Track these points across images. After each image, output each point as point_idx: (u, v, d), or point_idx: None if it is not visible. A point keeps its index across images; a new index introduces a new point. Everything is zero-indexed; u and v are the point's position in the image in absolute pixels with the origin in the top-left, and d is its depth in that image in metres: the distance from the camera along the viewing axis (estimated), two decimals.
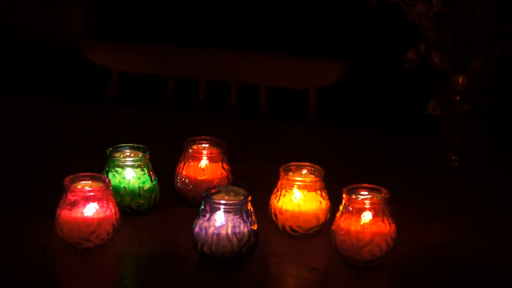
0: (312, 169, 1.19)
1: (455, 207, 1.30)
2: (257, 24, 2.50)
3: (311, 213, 1.15)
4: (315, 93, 1.86)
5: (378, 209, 1.07)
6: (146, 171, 1.22)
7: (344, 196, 1.09)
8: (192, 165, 1.25)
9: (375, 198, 1.09)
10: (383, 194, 1.09)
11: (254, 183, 1.30)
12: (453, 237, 1.19)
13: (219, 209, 1.06)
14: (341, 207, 1.09)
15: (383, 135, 1.66)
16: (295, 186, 1.16)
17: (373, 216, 1.07)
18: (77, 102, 1.89)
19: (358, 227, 1.07)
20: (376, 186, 1.10)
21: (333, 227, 1.10)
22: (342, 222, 1.08)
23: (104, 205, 1.10)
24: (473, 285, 1.08)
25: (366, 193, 1.10)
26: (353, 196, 1.09)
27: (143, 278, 1.07)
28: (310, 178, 1.17)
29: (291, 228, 1.16)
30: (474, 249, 1.16)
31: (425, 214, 1.26)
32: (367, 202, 1.08)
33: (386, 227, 1.07)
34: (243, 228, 1.07)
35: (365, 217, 1.07)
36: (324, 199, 1.17)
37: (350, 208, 1.08)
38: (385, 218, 1.07)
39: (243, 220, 1.07)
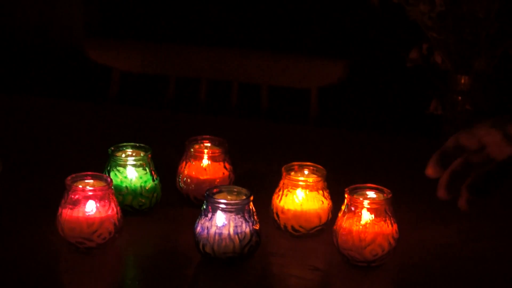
0: (314, 168, 1.19)
1: (457, 207, 1.30)
2: (258, 23, 2.50)
3: (313, 213, 1.15)
4: (317, 92, 1.86)
5: (380, 209, 1.07)
6: (148, 170, 1.22)
7: (346, 196, 1.09)
8: (194, 165, 1.25)
9: (377, 198, 1.09)
10: (385, 194, 1.09)
11: (256, 182, 1.30)
12: (455, 237, 1.19)
13: (221, 208, 1.06)
14: (343, 207, 1.09)
15: (385, 134, 1.66)
16: (297, 185, 1.16)
17: (375, 216, 1.07)
18: (78, 101, 1.89)
19: (360, 227, 1.07)
20: (378, 186, 1.10)
21: (334, 227, 1.10)
22: (344, 222, 1.08)
23: (106, 204, 1.10)
24: (474, 285, 1.08)
25: (368, 193, 1.10)
26: (355, 196, 1.09)
27: (144, 277, 1.07)
28: (312, 178, 1.16)
29: (293, 227, 1.16)
30: (475, 249, 1.16)
31: (427, 214, 1.26)
32: (369, 202, 1.08)
33: (388, 227, 1.07)
34: (245, 228, 1.07)
35: (367, 217, 1.07)
36: (326, 199, 1.17)
37: (352, 208, 1.08)
38: (387, 218, 1.07)
39: (245, 220, 1.07)
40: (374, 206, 1.07)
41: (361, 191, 1.10)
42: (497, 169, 1.02)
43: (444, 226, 1.22)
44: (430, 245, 1.16)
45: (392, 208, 1.08)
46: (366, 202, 1.07)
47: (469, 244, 1.17)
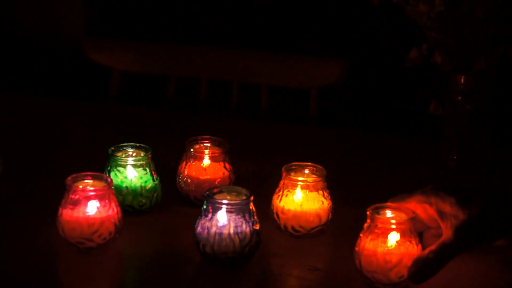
0: (314, 169, 1.19)
1: None
2: (258, 23, 2.50)
3: (313, 213, 1.15)
4: (317, 92, 1.86)
5: (406, 229, 1.03)
6: (148, 170, 1.22)
7: (368, 215, 1.04)
8: (194, 165, 1.25)
9: (400, 218, 1.05)
10: (409, 214, 1.05)
11: (256, 182, 1.30)
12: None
13: (221, 209, 1.06)
14: (365, 227, 1.05)
15: (385, 134, 1.66)
16: (297, 186, 1.16)
17: (401, 236, 1.03)
18: (78, 101, 1.89)
19: (386, 248, 1.03)
20: (398, 205, 1.07)
21: (357, 248, 1.05)
22: (368, 243, 1.03)
23: (106, 204, 1.10)
24: None
25: (389, 212, 1.06)
26: (379, 216, 1.04)
27: (145, 277, 1.07)
28: (312, 178, 1.17)
29: (293, 228, 1.16)
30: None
31: None
32: (396, 222, 1.03)
33: (414, 247, 1.03)
34: (245, 228, 1.07)
35: (393, 238, 1.03)
36: (326, 199, 1.17)
37: (376, 229, 1.03)
38: (412, 238, 1.03)
39: (245, 220, 1.07)
40: (401, 226, 1.03)
41: (382, 210, 1.06)
42: (438, 252, 1.02)
43: None
44: None
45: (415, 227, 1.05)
46: (392, 223, 1.03)
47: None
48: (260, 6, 2.48)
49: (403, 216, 1.05)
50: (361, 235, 1.05)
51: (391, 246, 1.03)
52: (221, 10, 2.52)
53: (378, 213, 1.05)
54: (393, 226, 1.03)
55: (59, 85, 2.59)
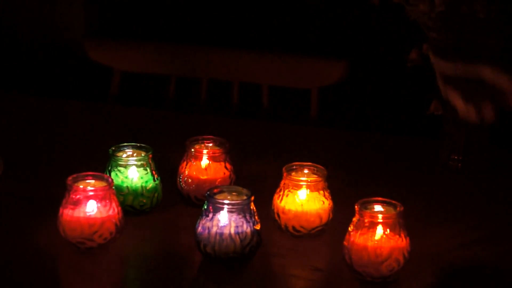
0: (315, 169, 1.19)
1: (458, 208, 1.30)
2: (258, 23, 2.50)
3: (313, 213, 1.15)
4: (317, 92, 1.86)
5: (395, 223, 1.04)
6: (148, 170, 1.22)
7: (357, 210, 1.05)
8: (195, 165, 1.25)
9: (389, 212, 1.05)
10: (398, 208, 1.05)
11: (257, 182, 1.30)
12: (458, 241, 1.19)
13: (222, 208, 1.06)
14: (354, 220, 1.06)
15: (385, 134, 1.66)
16: (298, 186, 1.16)
17: (390, 230, 1.04)
18: (79, 101, 1.89)
19: (376, 242, 1.04)
20: (386, 199, 1.07)
21: (346, 243, 1.06)
22: (358, 238, 1.04)
23: (107, 204, 1.10)
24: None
25: (377, 206, 1.07)
26: (368, 211, 1.05)
27: (145, 277, 1.07)
28: (313, 178, 1.17)
29: (293, 228, 1.16)
30: (479, 253, 1.15)
31: (428, 216, 1.26)
32: (384, 216, 1.04)
33: (403, 241, 1.04)
34: (246, 228, 1.07)
35: (381, 231, 1.04)
36: (327, 199, 1.17)
37: (366, 224, 1.04)
38: (401, 232, 1.04)
39: (246, 220, 1.07)
40: (389, 220, 1.04)
41: (370, 205, 1.07)
42: None
43: (447, 229, 1.22)
44: (434, 251, 1.15)
45: (404, 221, 1.06)
46: (381, 217, 1.04)
47: (474, 248, 1.17)
48: (260, 6, 2.48)
49: (391, 210, 1.06)
50: (349, 230, 1.06)
51: (381, 240, 1.04)
52: (222, 10, 2.52)
53: (366, 208, 1.06)
54: (381, 220, 1.04)
55: (59, 85, 2.59)
